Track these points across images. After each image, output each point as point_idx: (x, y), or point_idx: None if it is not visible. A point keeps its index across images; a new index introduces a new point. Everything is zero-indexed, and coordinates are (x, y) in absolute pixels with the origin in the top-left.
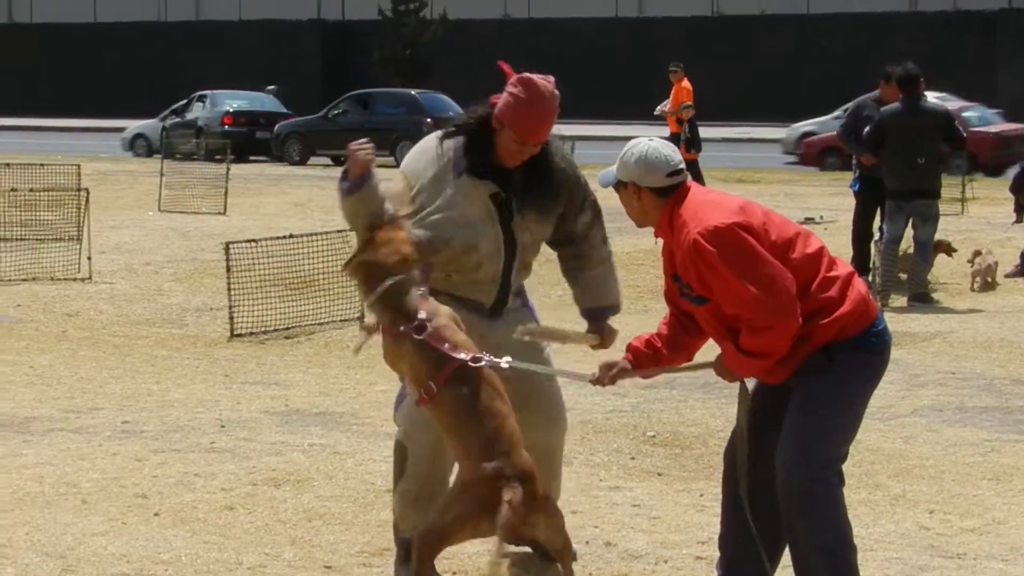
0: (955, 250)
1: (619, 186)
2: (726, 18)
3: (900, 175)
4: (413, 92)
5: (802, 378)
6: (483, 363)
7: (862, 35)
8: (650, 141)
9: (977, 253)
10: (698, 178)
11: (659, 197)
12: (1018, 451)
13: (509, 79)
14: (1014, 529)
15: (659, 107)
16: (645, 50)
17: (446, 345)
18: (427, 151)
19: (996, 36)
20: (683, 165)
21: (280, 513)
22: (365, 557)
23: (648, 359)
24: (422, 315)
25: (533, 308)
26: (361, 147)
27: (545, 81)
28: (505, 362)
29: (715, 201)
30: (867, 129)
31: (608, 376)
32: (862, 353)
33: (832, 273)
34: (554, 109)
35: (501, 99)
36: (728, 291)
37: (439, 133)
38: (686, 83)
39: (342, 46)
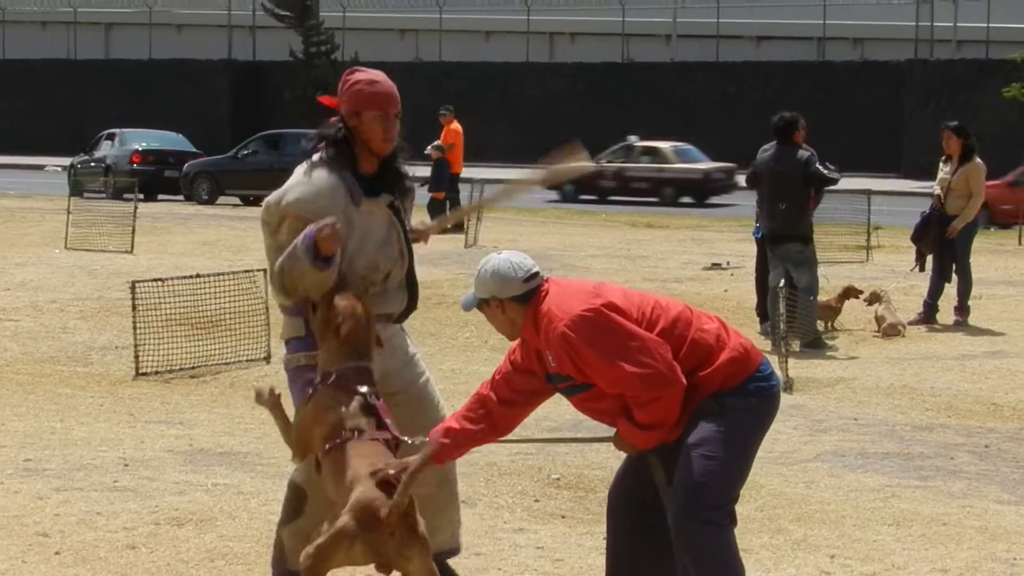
0: (861, 291)
1: (482, 305)
2: (636, 65)
3: (767, 221)
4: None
5: (693, 423)
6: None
7: (771, 83)
8: (498, 254)
9: (874, 295)
10: (441, 211)
11: (521, 304)
12: (918, 497)
13: (340, 89)
14: (912, 574)
15: (430, 148)
16: (555, 95)
17: (388, 421)
18: (318, 191)
19: (903, 86)
20: (536, 268)
21: (182, 553)
22: None
23: (457, 442)
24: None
25: (406, 330)
26: (329, 225)
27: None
28: (419, 441)
29: (573, 291)
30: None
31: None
32: (750, 398)
33: (705, 327)
34: (391, 82)
35: (343, 99)
36: (605, 374)
37: (307, 166)
38: (455, 125)
39: (253, 87)
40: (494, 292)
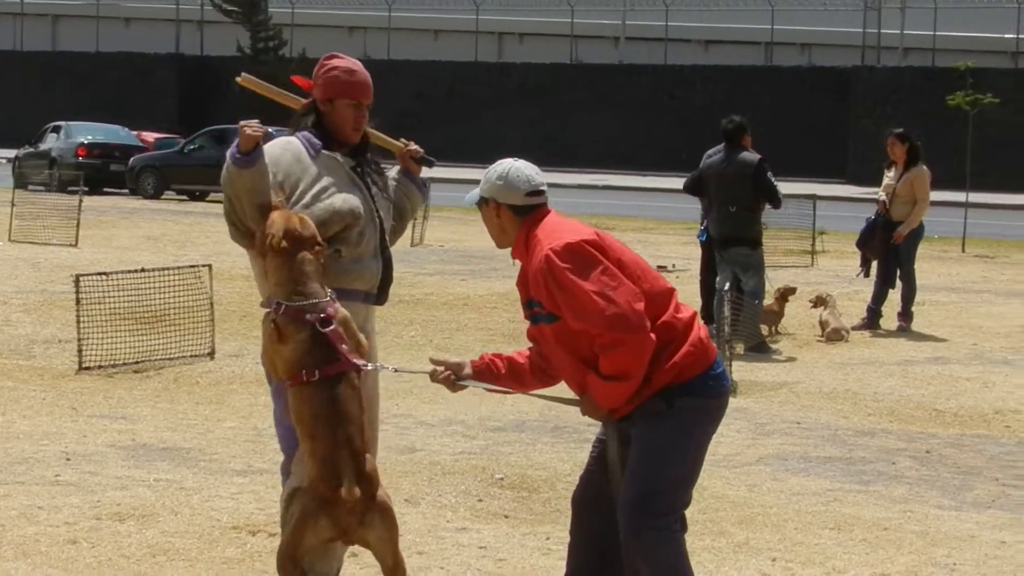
0: (794, 289)
1: (481, 203)
2: (584, 66)
3: (716, 224)
4: (270, 130)
5: (642, 425)
6: (368, 368)
7: (719, 87)
8: (515, 161)
9: (819, 299)
10: None
11: (517, 216)
12: (859, 501)
13: (316, 72)
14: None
15: None
16: (503, 95)
17: (344, 347)
18: (274, 146)
19: (849, 92)
20: (544, 187)
21: (124, 548)
22: None
23: (485, 374)
24: (330, 310)
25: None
26: (249, 124)
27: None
28: (393, 368)
29: (571, 224)
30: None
31: (443, 376)
32: (699, 398)
33: (679, 315)
34: (366, 72)
35: (318, 84)
36: (574, 303)
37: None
38: None
39: (199, 81)
40: (495, 194)
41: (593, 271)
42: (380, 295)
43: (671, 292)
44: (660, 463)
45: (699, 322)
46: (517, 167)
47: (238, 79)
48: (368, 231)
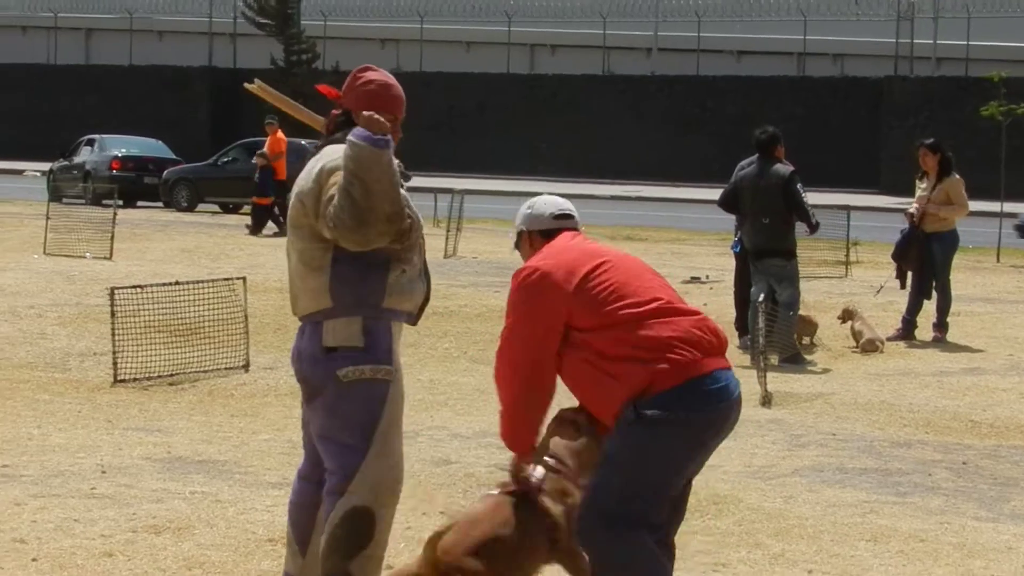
0: (852, 313)
1: (519, 240)
2: (616, 77)
3: (750, 235)
4: (303, 142)
5: (614, 431)
6: None
7: (751, 97)
8: (548, 195)
9: (847, 312)
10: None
11: (544, 239)
12: (895, 512)
13: (350, 84)
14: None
15: (255, 156)
16: (535, 106)
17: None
18: (337, 150)
19: (881, 103)
20: (571, 211)
21: (160, 561)
22: None
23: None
24: None
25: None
26: (373, 113)
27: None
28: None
29: (563, 247)
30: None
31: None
32: (675, 411)
33: (664, 327)
34: (399, 85)
35: (352, 96)
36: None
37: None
38: (280, 135)
39: (232, 94)
40: (526, 224)
41: (523, 307)
42: (419, 315)
43: (658, 308)
44: (619, 468)
45: (695, 334)
46: (546, 198)
47: (248, 85)
48: (419, 247)
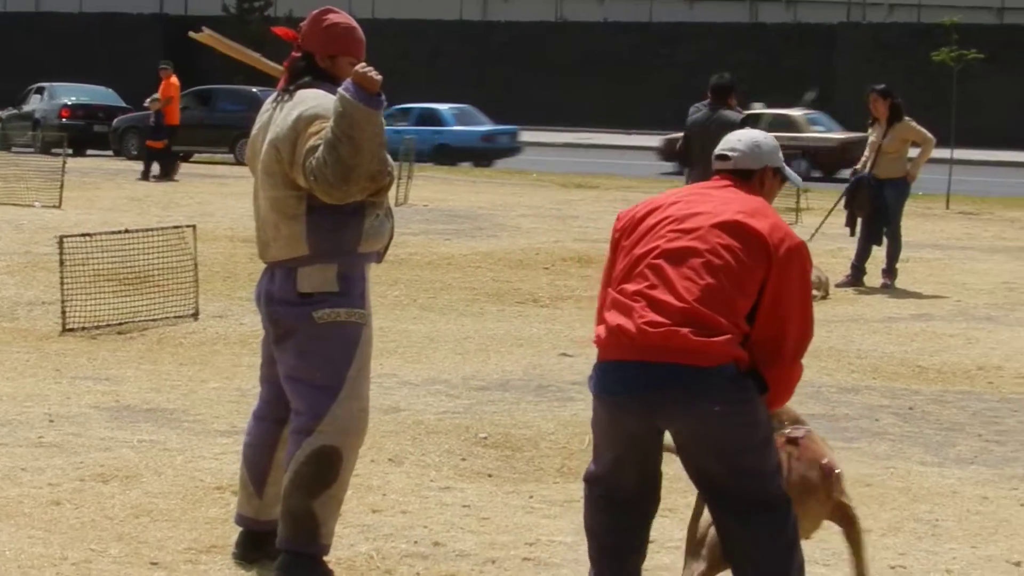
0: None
1: (763, 175)
2: (569, 24)
3: (700, 180)
4: (254, 89)
5: None
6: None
7: (704, 44)
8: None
9: None
10: (170, 160)
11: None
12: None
13: (312, 26)
14: (836, 534)
15: (147, 100)
16: (487, 53)
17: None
18: (327, 98)
19: (835, 49)
20: (726, 151)
21: (107, 509)
22: (192, 554)
23: None
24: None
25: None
26: (367, 68)
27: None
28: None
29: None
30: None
31: None
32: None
33: (629, 292)
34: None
35: (314, 37)
36: None
37: (300, 92)
38: (174, 79)
39: (184, 42)
40: (777, 161)
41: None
42: (384, 252)
43: (642, 268)
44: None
45: (634, 309)
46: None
47: (194, 33)
48: (388, 190)
